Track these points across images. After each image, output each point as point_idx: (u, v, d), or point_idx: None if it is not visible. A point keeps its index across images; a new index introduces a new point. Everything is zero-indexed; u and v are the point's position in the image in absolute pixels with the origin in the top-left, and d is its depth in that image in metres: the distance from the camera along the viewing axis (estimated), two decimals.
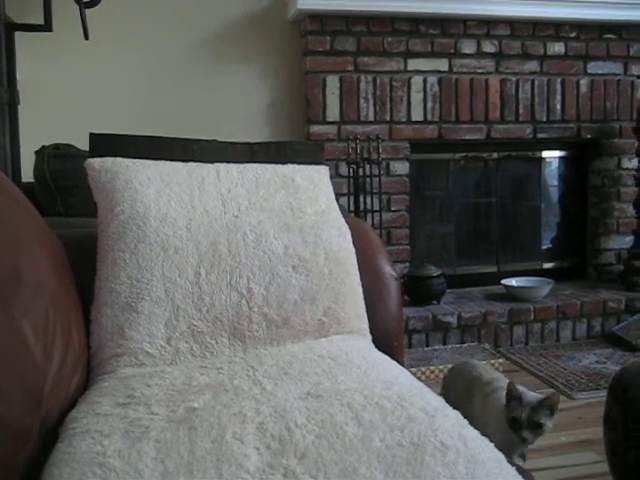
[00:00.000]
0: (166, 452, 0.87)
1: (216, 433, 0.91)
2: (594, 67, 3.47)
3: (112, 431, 0.93)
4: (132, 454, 0.87)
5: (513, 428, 1.61)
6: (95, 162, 1.36)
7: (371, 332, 1.42)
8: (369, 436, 0.89)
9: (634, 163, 3.52)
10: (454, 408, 1.01)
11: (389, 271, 1.55)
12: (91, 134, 1.41)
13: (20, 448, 0.91)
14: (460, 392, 1.87)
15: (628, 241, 3.56)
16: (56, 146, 2.30)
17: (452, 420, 0.95)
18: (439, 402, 1.02)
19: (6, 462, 0.86)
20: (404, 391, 1.04)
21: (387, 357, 1.26)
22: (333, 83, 3.10)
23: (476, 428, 0.96)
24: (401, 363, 1.37)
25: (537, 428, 1.60)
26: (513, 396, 1.62)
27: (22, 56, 2.46)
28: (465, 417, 0.99)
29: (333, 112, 3.11)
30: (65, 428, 0.99)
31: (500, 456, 0.88)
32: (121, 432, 0.93)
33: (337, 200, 1.54)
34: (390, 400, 1.00)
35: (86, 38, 2.54)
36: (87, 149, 1.42)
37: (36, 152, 2.31)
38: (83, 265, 1.31)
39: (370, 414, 0.95)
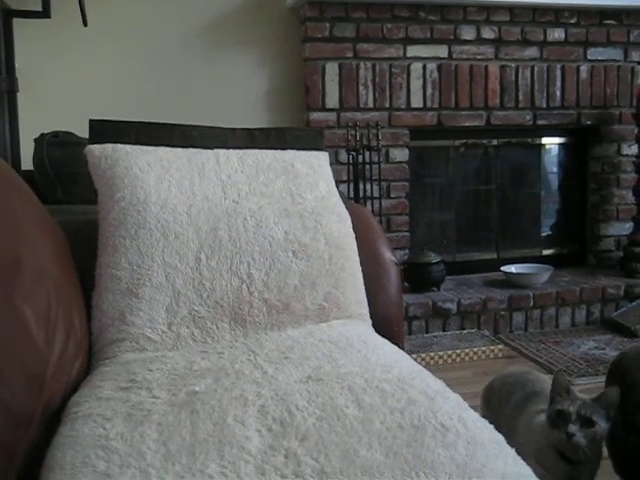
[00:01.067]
0: (168, 435, 0.88)
1: (218, 416, 0.92)
2: (594, 53, 3.46)
3: (114, 415, 0.94)
4: (134, 437, 0.88)
5: (557, 424, 1.34)
6: (95, 149, 1.36)
7: (371, 317, 1.42)
8: (369, 418, 0.90)
9: (634, 149, 3.51)
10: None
11: (389, 257, 1.56)
12: (91, 120, 1.41)
13: (23, 432, 0.91)
14: (511, 406, 1.59)
15: (627, 228, 3.56)
16: (55, 134, 2.30)
17: (452, 402, 0.96)
18: (439, 385, 1.03)
19: (9, 446, 0.87)
20: (404, 374, 1.04)
21: (387, 341, 1.27)
22: (332, 70, 3.09)
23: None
24: (401, 348, 1.38)
25: (588, 426, 1.32)
26: (560, 387, 1.38)
27: (20, 43, 2.45)
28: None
29: (332, 99, 3.11)
30: (67, 412, 1.00)
31: (500, 438, 0.89)
32: (123, 415, 0.94)
33: (337, 187, 1.54)
34: (390, 383, 1.00)
35: (85, 25, 2.53)
36: (86, 136, 1.42)
37: (35, 140, 2.31)
38: (84, 252, 1.31)
39: (370, 397, 0.96)
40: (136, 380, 1.06)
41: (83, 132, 1.56)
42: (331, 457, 0.82)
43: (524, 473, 0.82)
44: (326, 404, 0.94)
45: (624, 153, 3.58)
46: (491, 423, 0.94)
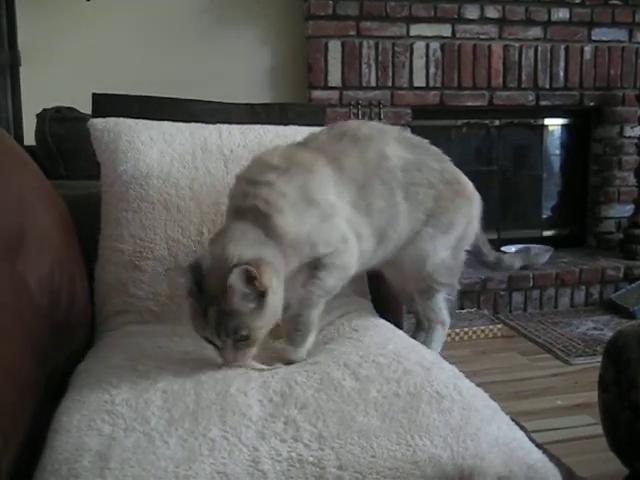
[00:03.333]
0: (172, 402, 0.90)
1: (221, 387, 0.94)
2: (598, 34, 3.43)
3: (121, 382, 0.96)
4: (139, 403, 0.90)
5: None
6: (98, 122, 1.37)
7: (371, 293, 1.44)
8: (366, 388, 0.92)
9: (636, 131, 3.50)
10: None
11: None
12: (94, 94, 1.42)
13: (27, 398, 0.93)
14: None
15: (628, 210, 3.56)
16: (57, 109, 2.30)
17: (448, 372, 0.98)
18: (434, 357, 1.05)
19: (14, 412, 0.89)
20: (399, 348, 1.06)
21: (381, 320, 1.27)
22: (335, 48, 3.08)
23: None
24: (400, 324, 1.40)
25: None
26: None
27: (23, 16, 2.44)
28: None
29: (335, 77, 3.10)
30: (74, 379, 1.02)
31: (494, 404, 0.92)
32: (129, 383, 0.96)
33: None
34: (386, 357, 1.02)
35: None
36: (88, 112, 1.43)
37: (37, 115, 2.31)
38: (87, 225, 1.32)
39: (367, 370, 0.98)
40: (143, 351, 1.07)
41: (85, 108, 1.56)
42: (329, 423, 0.84)
43: (517, 437, 0.84)
44: (324, 378, 0.96)
45: (627, 135, 3.57)
46: None
